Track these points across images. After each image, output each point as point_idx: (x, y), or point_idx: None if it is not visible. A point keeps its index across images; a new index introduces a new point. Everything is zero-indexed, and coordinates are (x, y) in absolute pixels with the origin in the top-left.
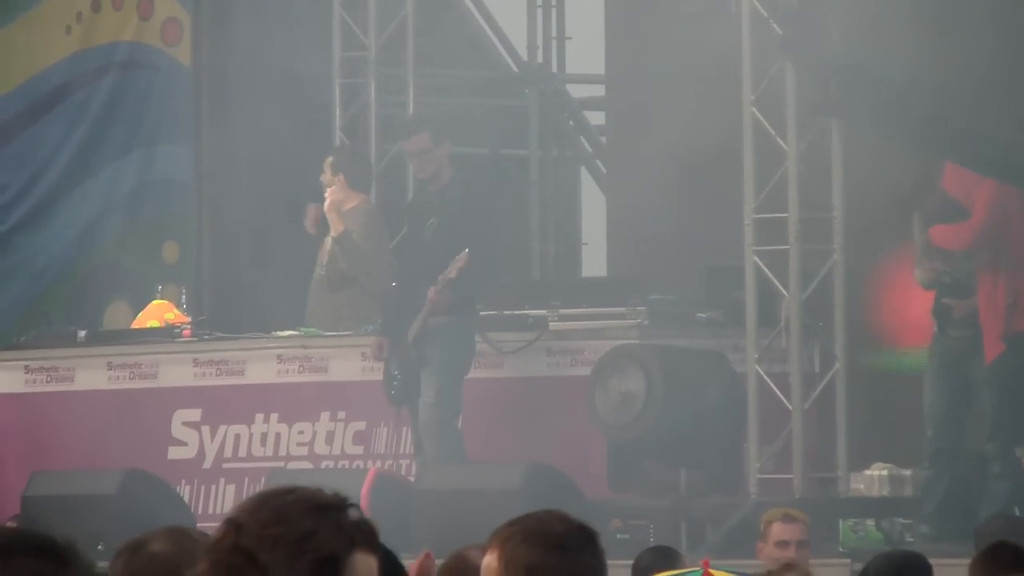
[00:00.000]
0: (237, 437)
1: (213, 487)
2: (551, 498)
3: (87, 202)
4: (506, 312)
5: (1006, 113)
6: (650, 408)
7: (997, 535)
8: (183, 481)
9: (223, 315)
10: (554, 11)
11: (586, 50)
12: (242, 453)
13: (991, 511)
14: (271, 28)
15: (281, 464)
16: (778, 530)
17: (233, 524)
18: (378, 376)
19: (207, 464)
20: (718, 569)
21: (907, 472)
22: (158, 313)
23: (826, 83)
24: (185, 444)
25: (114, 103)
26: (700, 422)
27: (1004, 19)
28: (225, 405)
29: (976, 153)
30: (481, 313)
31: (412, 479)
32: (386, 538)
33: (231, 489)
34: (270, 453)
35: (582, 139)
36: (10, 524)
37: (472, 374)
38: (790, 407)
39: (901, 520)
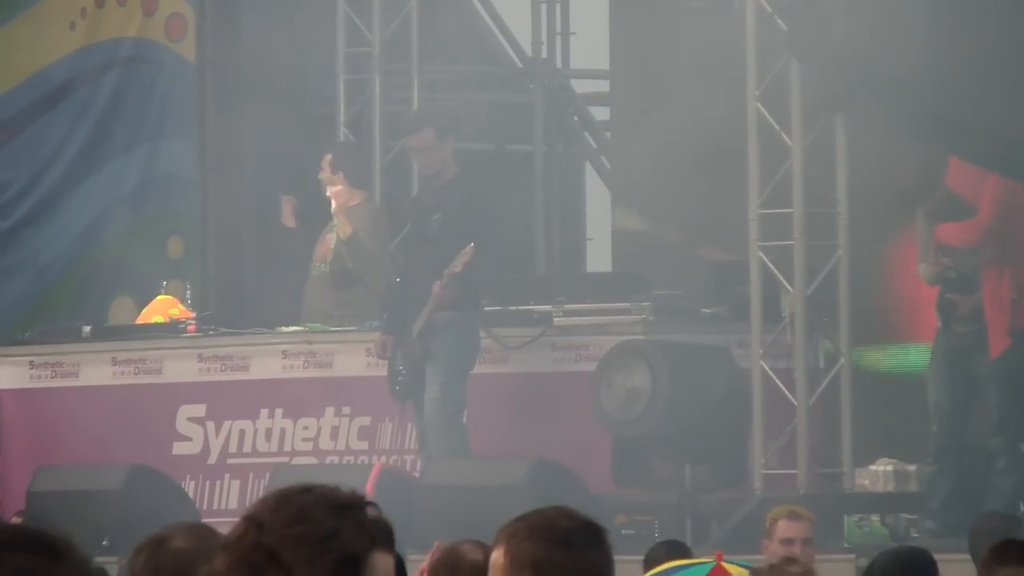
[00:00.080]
0: (242, 433)
1: (218, 482)
2: (556, 494)
3: (92, 198)
4: (511, 308)
5: (1011, 108)
6: (655, 404)
7: (991, 533)
8: (188, 476)
9: (228, 310)
10: (558, 6)
11: (590, 45)
12: (247, 449)
13: (996, 506)
14: (275, 24)
15: (286, 460)
16: (783, 528)
17: (254, 522)
18: (383, 372)
19: (212, 460)
20: (731, 563)
21: (912, 467)
22: (163, 309)
23: (830, 78)
24: (190, 439)
25: (118, 99)
26: (705, 418)
27: (1009, 14)
28: (230, 401)
29: (981, 148)
30: (486, 309)
31: (417, 475)
32: None
33: (236, 485)
34: (275, 449)
35: (587, 135)
36: (15, 519)
37: (477, 370)
38: (795, 402)
39: (906, 516)
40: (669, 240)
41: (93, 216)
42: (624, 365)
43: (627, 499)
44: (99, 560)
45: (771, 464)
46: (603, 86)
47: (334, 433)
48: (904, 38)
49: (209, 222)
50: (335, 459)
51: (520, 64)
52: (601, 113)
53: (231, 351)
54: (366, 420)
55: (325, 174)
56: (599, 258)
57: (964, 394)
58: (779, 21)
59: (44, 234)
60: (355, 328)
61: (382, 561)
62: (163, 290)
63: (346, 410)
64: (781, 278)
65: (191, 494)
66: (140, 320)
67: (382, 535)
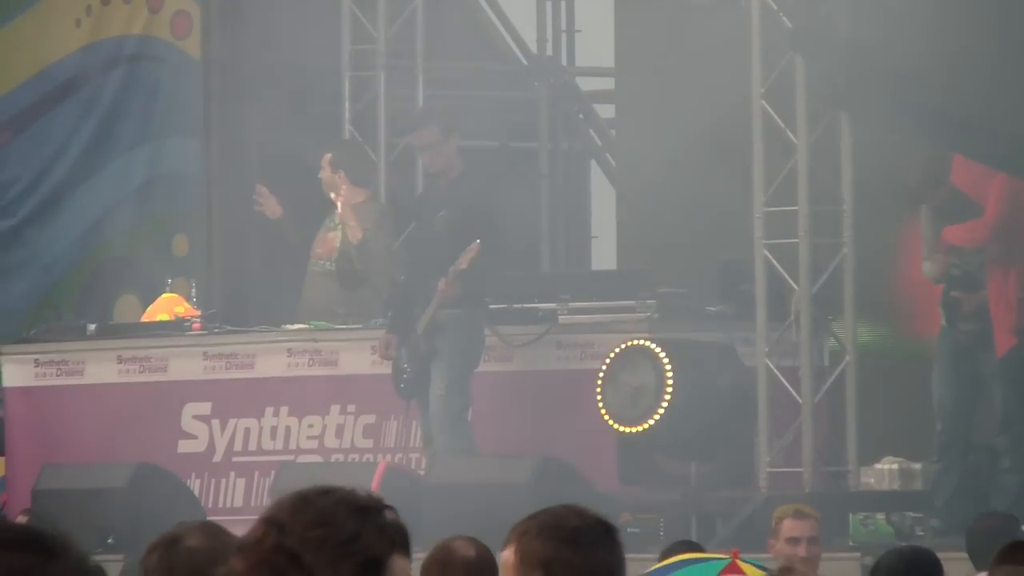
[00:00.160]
0: (247, 431)
1: (223, 480)
2: (561, 492)
3: (97, 196)
4: (516, 305)
5: (1017, 106)
6: (660, 402)
7: (988, 532)
8: (193, 474)
9: (233, 308)
10: (563, 4)
11: (596, 43)
12: (252, 447)
13: (1002, 505)
14: (280, 21)
15: (291, 458)
16: (789, 526)
17: (274, 524)
18: (388, 369)
19: (217, 458)
20: (746, 563)
21: (917, 466)
22: (168, 307)
23: (835, 76)
24: (195, 438)
25: (123, 97)
26: (710, 416)
27: (1015, 11)
28: (235, 398)
29: (987, 146)
30: (491, 306)
31: (422, 472)
32: None
33: (241, 483)
34: (280, 447)
35: (592, 132)
36: (21, 517)
37: (482, 367)
38: (800, 401)
39: (911, 514)
40: (674, 238)
41: (98, 214)
42: (629, 363)
43: (632, 497)
44: (104, 558)
45: (776, 462)
46: (608, 83)
47: (339, 431)
48: (909, 35)
49: (214, 220)
50: (340, 457)
51: (525, 61)
52: (606, 111)
53: (236, 349)
54: (371, 418)
55: (325, 173)
56: (604, 256)
57: (969, 392)
58: (784, 18)
59: (49, 232)
60: (360, 326)
61: (401, 564)
62: (168, 288)
63: (351, 408)
64: (786, 276)
65: (196, 492)
66: (145, 318)
67: (400, 538)
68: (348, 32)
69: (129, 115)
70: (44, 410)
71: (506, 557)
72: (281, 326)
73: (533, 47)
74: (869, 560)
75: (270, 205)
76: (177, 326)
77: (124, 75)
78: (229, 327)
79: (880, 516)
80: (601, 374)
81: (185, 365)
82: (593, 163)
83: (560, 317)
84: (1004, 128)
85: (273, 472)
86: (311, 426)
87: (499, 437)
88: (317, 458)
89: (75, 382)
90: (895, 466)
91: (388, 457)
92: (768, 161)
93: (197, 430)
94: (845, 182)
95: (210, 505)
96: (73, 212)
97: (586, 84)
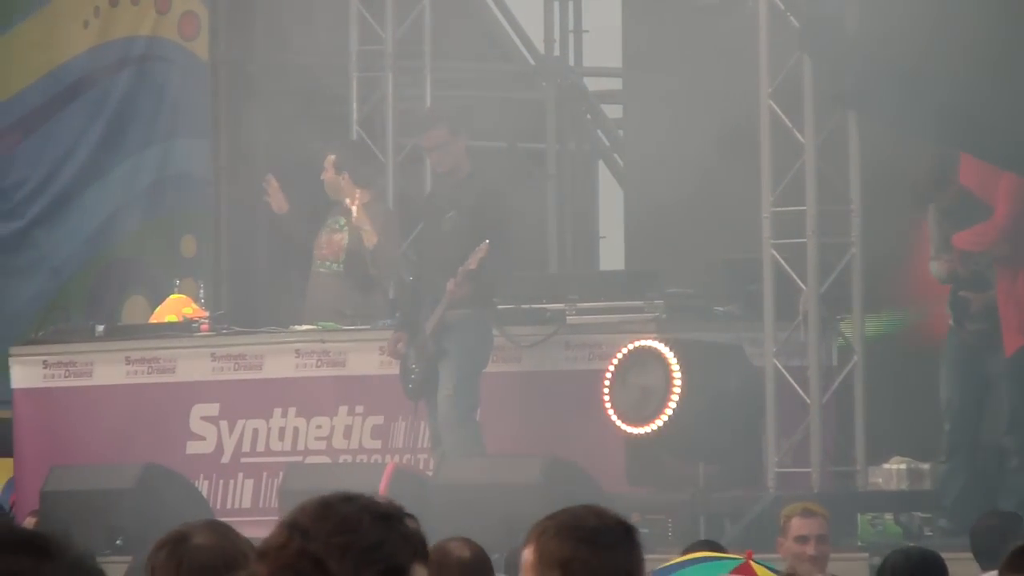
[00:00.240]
0: (255, 432)
1: (231, 482)
2: (569, 492)
3: (105, 197)
4: (523, 306)
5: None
6: (668, 402)
7: (991, 531)
8: (201, 476)
9: (241, 309)
10: (571, 4)
11: (603, 43)
12: (260, 448)
13: (1010, 505)
14: (288, 22)
15: (299, 459)
16: (797, 525)
17: (297, 529)
18: (396, 370)
19: (225, 459)
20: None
21: (925, 466)
22: (176, 308)
23: (843, 76)
24: (203, 439)
25: (131, 98)
26: (718, 416)
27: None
28: (243, 399)
29: (995, 146)
30: (499, 307)
31: (430, 473)
32: None
33: (249, 484)
34: (288, 448)
35: (599, 132)
36: (29, 519)
37: (490, 368)
38: (808, 401)
39: (920, 514)
40: (682, 238)
41: (106, 215)
42: (637, 363)
43: (640, 498)
44: (112, 560)
45: (784, 463)
46: (616, 84)
47: (347, 432)
48: (917, 35)
49: (222, 221)
50: (348, 458)
51: (533, 62)
52: (614, 111)
53: (244, 350)
54: (379, 419)
55: (329, 175)
56: (612, 256)
57: (976, 392)
58: (791, 18)
59: (57, 233)
60: (368, 327)
61: (421, 573)
62: (176, 289)
63: (359, 409)
64: (794, 276)
65: (204, 493)
66: (153, 319)
67: (422, 548)
68: (356, 33)
69: (137, 116)
70: (52, 411)
71: (525, 556)
72: (289, 327)
73: (541, 47)
74: (877, 560)
75: (277, 199)
76: (185, 327)
77: (132, 76)
78: (237, 328)
79: (888, 516)
80: (609, 375)
81: (193, 366)
82: (601, 163)
83: (568, 317)
84: (1012, 127)
85: (281, 473)
86: (319, 427)
87: (507, 437)
88: (325, 459)
89: (83, 383)
90: (903, 466)
91: (396, 458)
92: (776, 161)
93: (205, 431)
94: (853, 182)
95: (218, 506)
96: (81, 213)
97: (594, 84)
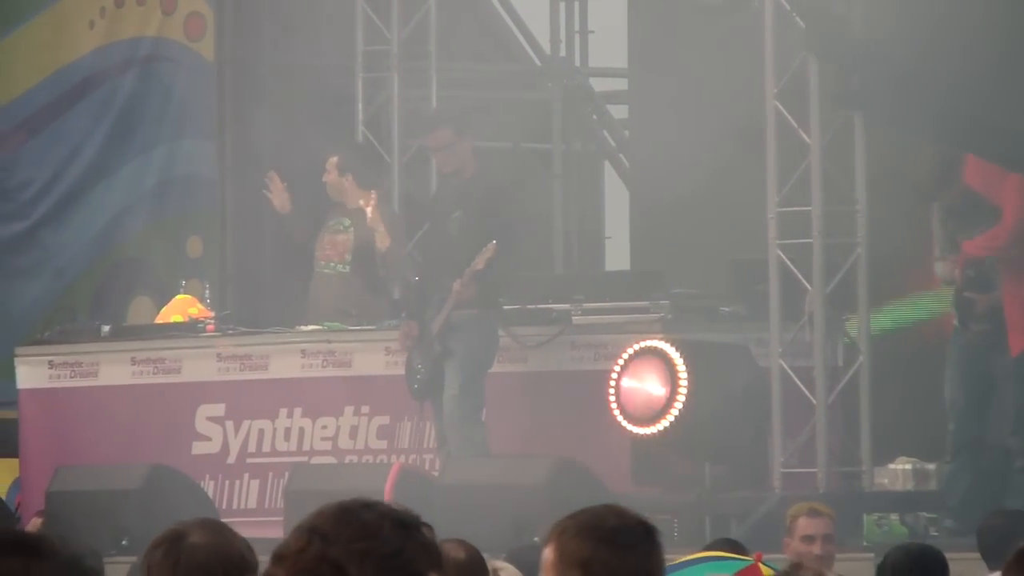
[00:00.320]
0: (261, 432)
1: (237, 482)
2: (575, 493)
3: (111, 197)
4: (529, 306)
5: None
6: (674, 403)
7: (997, 531)
8: (207, 476)
9: (247, 310)
10: (577, 5)
11: (609, 44)
12: (266, 448)
13: (1015, 504)
14: (294, 22)
15: (305, 459)
16: (804, 525)
17: (316, 534)
18: (401, 370)
19: (231, 459)
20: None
21: (931, 466)
22: (182, 308)
23: (849, 76)
24: (209, 439)
25: (137, 98)
26: (724, 416)
27: None
28: (249, 400)
29: (999, 146)
30: (504, 307)
31: (436, 474)
32: None
33: (255, 484)
34: (294, 448)
35: (605, 133)
36: (35, 519)
37: (495, 368)
38: (814, 401)
39: (925, 514)
40: (688, 238)
41: (112, 216)
42: (643, 364)
43: (646, 498)
44: (118, 560)
45: (790, 463)
46: (621, 84)
47: (353, 432)
48: (922, 36)
49: (228, 221)
50: (354, 458)
51: (538, 62)
52: (619, 111)
53: (250, 350)
54: (385, 419)
55: (331, 177)
56: (617, 256)
57: (981, 392)
58: (797, 19)
59: (63, 234)
60: (374, 327)
61: None
62: (182, 289)
63: (365, 409)
64: (800, 276)
65: (210, 494)
66: (159, 320)
67: (437, 557)
68: (361, 33)
69: (143, 117)
70: (58, 412)
71: (546, 555)
72: (295, 327)
73: (546, 48)
74: None
75: (280, 197)
76: (191, 327)
77: (138, 77)
78: (243, 328)
79: (894, 516)
80: (615, 375)
81: (199, 366)
82: (607, 164)
83: (574, 318)
84: (1017, 128)
85: (287, 473)
86: (325, 427)
87: (513, 438)
88: (331, 459)
89: (89, 384)
90: (909, 466)
91: (402, 458)
92: (782, 161)
93: (211, 431)
94: (859, 182)
95: (224, 506)
96: (87, 214)
97: (599, 85)
